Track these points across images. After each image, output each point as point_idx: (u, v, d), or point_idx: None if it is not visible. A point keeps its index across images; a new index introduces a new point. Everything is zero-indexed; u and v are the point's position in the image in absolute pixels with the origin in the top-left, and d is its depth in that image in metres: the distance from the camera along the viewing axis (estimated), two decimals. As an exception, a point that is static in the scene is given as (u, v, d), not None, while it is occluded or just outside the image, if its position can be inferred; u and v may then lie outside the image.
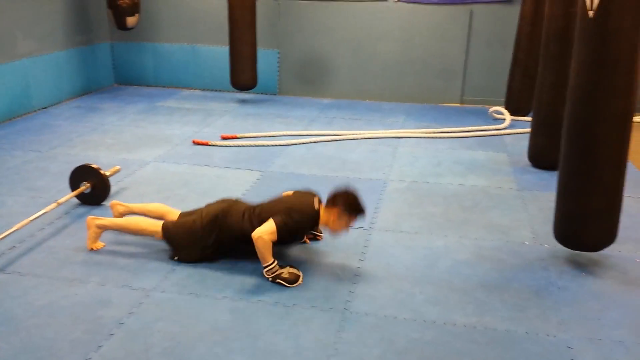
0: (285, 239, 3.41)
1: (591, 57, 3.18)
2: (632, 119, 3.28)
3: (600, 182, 3.33)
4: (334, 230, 3.49)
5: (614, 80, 3.14)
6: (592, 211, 3.39)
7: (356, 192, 3.46)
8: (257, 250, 3.30)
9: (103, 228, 3.69)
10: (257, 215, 3.46)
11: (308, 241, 3.84)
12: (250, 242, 3.33)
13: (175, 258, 3.57)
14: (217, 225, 3.50)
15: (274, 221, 3.30)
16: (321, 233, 3.90)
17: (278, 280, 3.32)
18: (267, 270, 3.32)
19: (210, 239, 3.51)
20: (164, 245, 3.71)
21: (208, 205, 3.66)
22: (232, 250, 3.59)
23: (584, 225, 3.44)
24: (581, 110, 3.30)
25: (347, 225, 3.46)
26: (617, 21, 3.04)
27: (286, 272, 3.34)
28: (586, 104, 3.26)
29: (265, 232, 3.27)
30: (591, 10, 3.09)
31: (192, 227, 3.53)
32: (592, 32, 3.14)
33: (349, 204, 3.39)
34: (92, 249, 3.68)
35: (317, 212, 3.44)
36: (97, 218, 3.70)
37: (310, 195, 3.55)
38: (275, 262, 3.33)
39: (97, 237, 3.70)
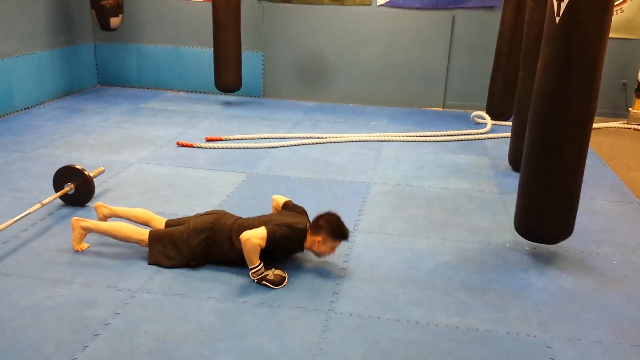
0: (272, 249, 3.40)
1: (556, 61, 3.26)
2: (592, 121, 3.39)
3: (556, 180, 3.46)
4: (320, 254, 3.54)
5: (576, 84, 3.24)
6: (548, 207, 3.53)
7: (339, 217, 3.51)
8: (244, 252, 3.32)
9: (87, 230, 3.68)
10: (247, 227, 3.46)
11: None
12: (237, 255, 3.39)
13: (155, 263, 3.55)
14: (205, 238, 3.52)
15: (266, 228, 3.33)
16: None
17: (264, 282, 3.35)
18: (253, 272, 3.35)
19: (197, 251, 3.52)
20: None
21: (196, 216, 3.67)
22: (219, 261, 3.58)
23: (540, 219, 3.59)
24: (543, 111, 3.40)
25: (331, 249, 3.51)
26: (581, 27, 3.14)
27: (272, 273, 3.37)
28: (548, 106, 3.36)
29: (254, 236, 3.29)
30: (557, 15, 3.18)
31: (180, 238, 3.54)
32: (557, 36, 3.22)
33: (332, 229, 3.45)
34: (77, 250, 3.68)
35: (306, 232, 3.49)
36: (81, 220, 3.69)
37: (303, 215, 3.62)
38: (262, 264, 3.36)
39: (81, 238, 3.70)
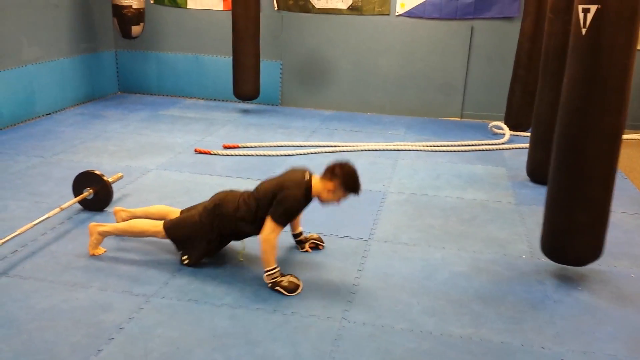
0: (290, 220, 3.45)
1: (583, 74, 3.22)
2: (621, 136, 3.30)
3: (587, 198, 3.36)
4: (325, 201, 3.49)
5: (605, 97, 3.18)
6: (578, 226, 3.41)
7: (355, 169, 3.45)
8: (262, 252, 3.35)
9: (105, 234, 3.73)
10: (252, 197, 3.52)
11: (309, 250, 3.88)
12: (248, 224, 3.44)
13: (185, 260, 3.61)
14: (216, 215, 3.55)
15: (272, 219, 3.33)
16: (323, 242, 3.94)
17: (277, 288, 3.35)
18: (268, 275, 3.36)
19: (213, 232, 3.57)
20: (165, 252, 3.76)
21: (204, 201, 3.73)
22: (235, 237, 3.66)
23: (569, 240, 3.47)
24: (571, 125, 3.34)
25: (339, 200, 3.46)
26: (609, 39, 3.09)
27: (286, 280, 3.37)
28: (576, 120, 3.30)
29: (269, 233, 3.32)
30: (584, 27, 3.15)
31: (193, 221, 3.59)
32: (584, 49, 3.18)
33: (346, 180, 3.39)
34: (93, 255, 3.72)
35: (308, 183, 3.43)
36: (99, 225, 3.74)
37: (300, 170, 3.56)
38: (278, 268, 3.37)
39: (98, 243, 3.74)
